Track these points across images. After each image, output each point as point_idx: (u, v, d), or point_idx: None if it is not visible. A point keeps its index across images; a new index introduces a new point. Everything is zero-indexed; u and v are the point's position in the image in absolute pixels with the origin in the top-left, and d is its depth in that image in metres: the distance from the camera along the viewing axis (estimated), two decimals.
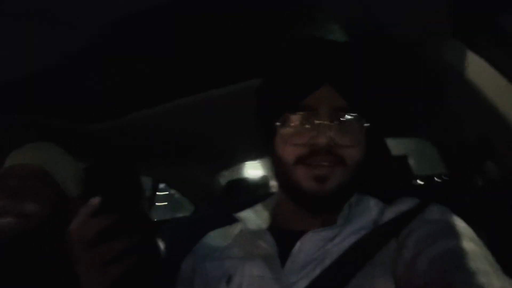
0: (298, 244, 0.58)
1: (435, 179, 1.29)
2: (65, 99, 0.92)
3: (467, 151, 0.73)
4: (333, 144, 0.56)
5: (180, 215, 1.84)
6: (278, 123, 0.60)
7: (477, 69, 0.63)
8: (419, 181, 1.32)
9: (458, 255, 0.46)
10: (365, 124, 0.59)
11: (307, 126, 0.58)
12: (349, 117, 0.58)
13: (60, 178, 0.78)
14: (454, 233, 0.50)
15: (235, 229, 0.71)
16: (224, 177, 1.81)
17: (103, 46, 0.71)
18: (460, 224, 0.54)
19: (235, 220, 0.71)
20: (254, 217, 0.68)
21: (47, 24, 0.60)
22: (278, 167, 0.63)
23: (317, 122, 0.57)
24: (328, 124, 0.56)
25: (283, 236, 0.61)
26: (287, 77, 0.61)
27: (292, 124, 0.59)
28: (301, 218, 0.63)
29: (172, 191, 1.80)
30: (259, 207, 0.72)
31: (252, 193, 1.53)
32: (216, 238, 0.72)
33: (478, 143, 0.67)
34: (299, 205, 0.63)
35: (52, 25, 0.61)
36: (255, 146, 1.40)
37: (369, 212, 0.62)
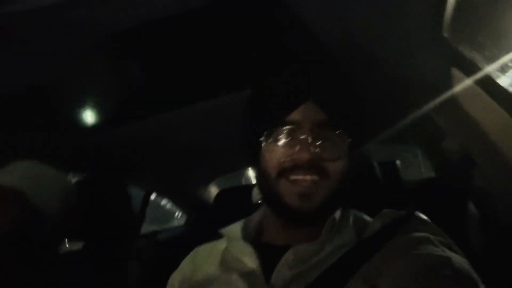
0: (283, 259, 0.58)
1: (424, 184, 1.30)
2: (54, 113, 0.92)
3: (452, 160, 0.74)
4: (316, 158, 0.57)
5: (171, 225, 1.82)
6: (262, 138, 0.61)
7: (461, 86, 0.64)
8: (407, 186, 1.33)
9: None
10: (347, 139, 0.60)
11: (290, 141, 0.59)
12: (331, 132, 0.59)
13: (35, 196, 0.85)
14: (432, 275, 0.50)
15: (222, 244, 0.71)
16: (218, 186, 1.81)
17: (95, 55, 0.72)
18: (436, 250, 0.54)
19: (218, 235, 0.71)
20: (239, 232, 0.68)
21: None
22: (262, 181, 0.63)
23: (300, 137, 0.58)
24: (311, 139, 0.57)
25: (268, 251, 0.61)
26: (271, 93, 0.63)
27: (276, 139, 0.60)
28: (285, 232, 0.63)
29: (164, 202, 1.79)
30: (245, 221, 0.71)
31: (245, 202, 1.52)
32: (202, 254, 0.72)
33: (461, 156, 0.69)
34: (282, 219, 0.63)
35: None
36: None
37: (352, 227, 0.63)
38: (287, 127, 0.59)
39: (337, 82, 0.63)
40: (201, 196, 1.74)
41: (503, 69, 0.63)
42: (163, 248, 1.57)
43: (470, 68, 0.63)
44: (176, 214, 1.74)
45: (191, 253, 0.74)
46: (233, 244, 0.67)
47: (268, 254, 0.60)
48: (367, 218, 0.65)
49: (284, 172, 0.59)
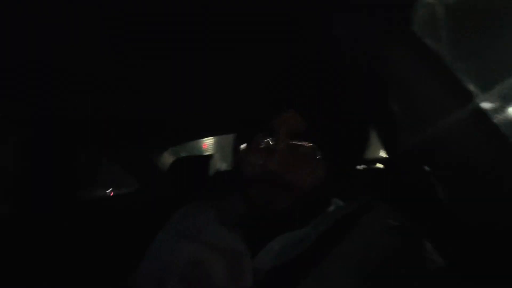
0: (265, 248, 0.58)
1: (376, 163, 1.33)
2: None
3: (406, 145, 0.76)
4: (284, 170, 0.56)
5: (124, 191, 1.79)
6: (245, 139, 0.61)
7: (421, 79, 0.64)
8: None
9: None
10: (320, 154, 0.58)
11: (264, 148, 0.59)
12: (305, 144, 0.58)
13: None
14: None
15: (209, 213, 0.69)
16: (171, 155, 1.78)
17: None
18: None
19: (208, 206, 0.70)
20: (228, 209, 0.68)
21: None
22: (239, 180, 0.63)
23: (271, 145, 0.58)
24: (281, 149, 0.57)
25: (253, 235, 0.61)
26: (256, 98, 0.64)
27: (253, 145, 0.60)
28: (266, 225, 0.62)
29: (117, 167, 1.73)
30: (234, 200, 0.70)
31: (199, 172, 1.53)
32: (192, 216, 0.70)
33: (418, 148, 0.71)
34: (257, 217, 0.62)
35: None
36: (202, 124, 1.41)
37: (332, 215, 0.63)
38: (263, 133, 0.59)
39: (322, 94, 0.62)
40: (155, 164, 1.70)
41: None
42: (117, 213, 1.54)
43: (435, 63, 0.63)
44: (129, 180, 1.70)
45: (178, 213, 0.73)
46: (222, 218, 0.66)
47: (254, 239, 0.60)
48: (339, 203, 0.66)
49: (253, 177, 0.59)
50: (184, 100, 1.04)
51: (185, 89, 0.95)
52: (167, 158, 1.74)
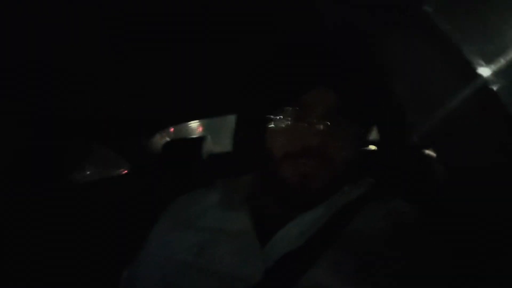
0: (282, 230, 0.57)
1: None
2: None
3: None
4: (323, 144, 0.56)
5: (115, 174, 1.77)
6: (272, 116, 0.58)
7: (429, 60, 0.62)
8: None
9: None
10: (357, 128, 0.59)
11: (299, 123, 0.57)
12: (342, 119, 0.57)
13: None
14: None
15: (212, 196, 0.67)
16: (161, 138, 1.75)
17: None
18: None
19: (208, 184, 0.69)
20: (235, 189, 0.66)
21: None
22: (264, 160, 0.60)
23: (311, 120, 0.56)
24: (321, 124, 0.55)
25: (261, 218, 0.60)
26: (287, 72, 0.60)
27: (285, 120, 0.58)
28: (282, 206, 0.61)
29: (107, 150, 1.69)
30: (242, 180, 0.68)
31: (192, 154, 1.53)
32: (193, 202, 0.69)
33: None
34: (282, 200, 0.62)
35: None
36: (192, 106, 1.37)
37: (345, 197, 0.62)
38: (297, 108, 0.57)
39: (354, 69, 0.61)
40: (146, 146, 1.68)
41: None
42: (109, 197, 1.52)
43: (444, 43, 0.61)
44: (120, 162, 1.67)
45: (175, 202, 0.71)
46: (228, 199, 0.64)
47: (262, 221, 0.59)
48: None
49: (289, 154, 0.57)
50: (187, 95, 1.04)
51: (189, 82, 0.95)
52: (158, 140, 1.68)
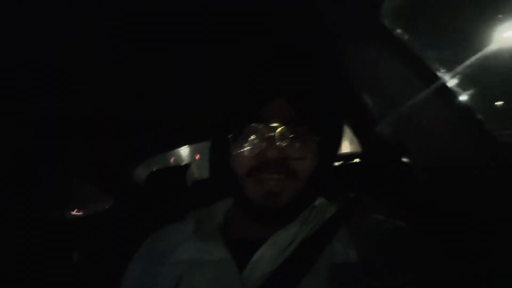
0: (259, 252, 0.56)
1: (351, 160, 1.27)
2: None
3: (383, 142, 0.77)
4: (284, 157, 0.56)
5: (99, 209, 1.71)
6: (230, 135, 0.59)
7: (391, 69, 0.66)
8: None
9: None
10: (316, 137, 0.58)
11: (258, 138, 0.57)
12: (300, 130, 0.57)
13: None
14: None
15: (186, 228, 0.67)
16: (146, 167, 1.69)
17: None
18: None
19: (183, 218, 0.68)
20: (208, 219, 0.66)
21: None
22: (229, 179, 0.60)
23: (268, 135, 0.56)
24: (279, 137, 0.55)
25: (237, 243, 0.59)
26: (242, 89, 0.61)
27: (245, 136, 0.58)
28: (255, 228, 0.61)
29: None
30: (214, 209, 0.68)
31: (176, 183, 1.47)
32: (165, 238, 0.68)
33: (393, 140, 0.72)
34: (251, 218, 0.61)
35: None
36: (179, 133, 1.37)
37: (321, 212, 0.62)
38: (255, 124, 0.57)
39: (309, 80, 0.62)
40: (129, 178, 1.64)
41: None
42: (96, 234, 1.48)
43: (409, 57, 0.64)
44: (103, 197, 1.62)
45: (152, 237, 0.69)
46: (202, 230, 0.63)
47: (238, 246, 0.58)
48: (326, 202, 0.65)
49: (251, 171, 0.57)
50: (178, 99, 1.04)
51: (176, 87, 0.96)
52: (142, 172, 1.66)
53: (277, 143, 0.56)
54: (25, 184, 0.97)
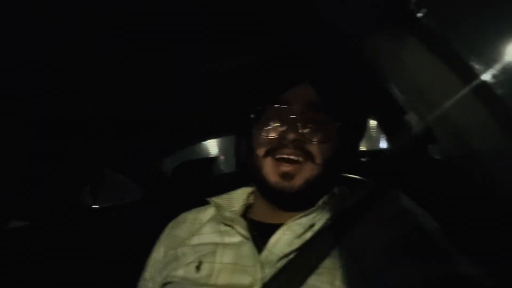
0: (276, 235, 0.56)
1: (379, 155, 1.27)
2: None
3: (410, 132, 0.76)
4: (303, 140, 0.56)
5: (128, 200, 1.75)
6: (253, 115, 0.60)
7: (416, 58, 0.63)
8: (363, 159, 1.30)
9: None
10: (337, 123, 0.59)
11: (280, 120, 0.58)
12: (322, 115, 0.58)
13: None
14: (414, 251, 0.51)
15: (207, 213, 0.68)
16: (174, 159, 1.73)
17: None
18: (416, 220, 0.55)
19: (205, 203, 0.69)
20: (228, 204, 0.67)
21: None
22: (250, 159, 0.62)
23: (289, 117, 0.57)
24: (300, 120, 0.56)
25: (257, 227, 0.60)
26: (267, 71, 0.62)
27: (267, 118, 0.60)
28: (274, 212, 0.61)
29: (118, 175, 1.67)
30: (234, 195, 0.70)
31: (203, 175, 1.53)
32: (186, 223, 0.70)
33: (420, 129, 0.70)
34: (268, 200, 0.62)
35: None
36: (204, 126, 1.37)
37: (340, 200, 0.61)
38: (278, 106, 0.58)
39: (334, 66, 0.62)
40: (157, 170, 1.68)
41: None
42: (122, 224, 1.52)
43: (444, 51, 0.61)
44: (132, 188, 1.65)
45: (173, 222, 0.72)
46: (223, 215, 0.64)
47: (258, 230, 0.59)
48: (347, 190, 0.65)
49: (270, 151, 0.58)
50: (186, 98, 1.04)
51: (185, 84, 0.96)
52: (170, 164, 1.70)
53: (297, 125, 0.56)
54: (25, 184, 0.97)
